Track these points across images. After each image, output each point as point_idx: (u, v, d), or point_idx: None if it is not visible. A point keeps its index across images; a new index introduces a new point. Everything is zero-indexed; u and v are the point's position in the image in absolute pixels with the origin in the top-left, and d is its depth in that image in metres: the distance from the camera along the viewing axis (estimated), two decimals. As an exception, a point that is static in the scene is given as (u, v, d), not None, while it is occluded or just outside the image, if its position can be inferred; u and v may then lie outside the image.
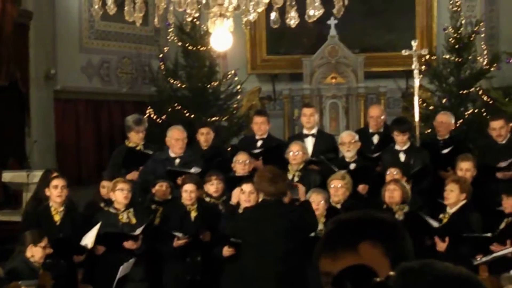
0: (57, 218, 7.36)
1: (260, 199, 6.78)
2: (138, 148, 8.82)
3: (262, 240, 6.39)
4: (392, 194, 7.23)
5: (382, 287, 1.61)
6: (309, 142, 8.73)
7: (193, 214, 7.57)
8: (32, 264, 6.64)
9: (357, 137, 8.39)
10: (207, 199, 7.80)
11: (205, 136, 8.88)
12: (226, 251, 6.99)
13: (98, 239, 7.17)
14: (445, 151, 8.35)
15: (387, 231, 1.86)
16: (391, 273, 1.62)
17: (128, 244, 7.23)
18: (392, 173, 7.73)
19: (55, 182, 7.39)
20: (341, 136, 8.58)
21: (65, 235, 7.22)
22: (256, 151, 8.58)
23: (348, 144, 8.28)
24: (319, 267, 1.84)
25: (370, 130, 8.95)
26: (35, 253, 6.65)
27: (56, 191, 7.34)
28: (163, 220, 7.61)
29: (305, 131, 8.91)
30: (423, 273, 1.52)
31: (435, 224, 7.02)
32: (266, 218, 6.45)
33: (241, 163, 8.15)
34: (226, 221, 7.15)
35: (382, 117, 8.99)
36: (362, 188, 7.98)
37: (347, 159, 8.29)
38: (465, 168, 7.74)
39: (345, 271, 1.73)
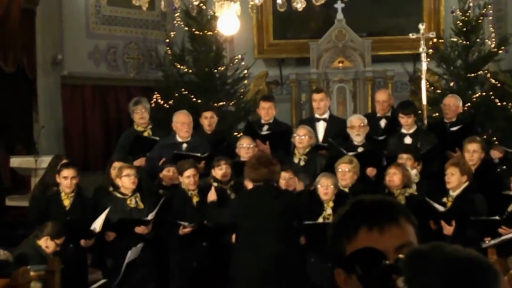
0: (66, 203, 7.40)
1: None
2: (145, 133, 8.84)
3: (256, 223, 6.43)
4: (392, 178, 7.22)
5: (391, 270, 1.61)
6: (321, 126, 8.74)
7: (195, 200, 7.57)
8: (42, 252, 6.68)
9: (366, 120, 8.37)
10: (215, 184, 7.79)
11: (209, 120, 8.88)
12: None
13: (112, 226, 7.19)
14: (454, 128, 8.33)
15: (408, 212, 1.86)
16: (400, 256, 1.62)
17: (140, 230, 7.24)
18: (404, 158, 7.65)
19: (65, 173, 7.41)
20: (350, 119, 8.54)
21: (73, 219, 7.24)
22: (264, 133, 8.59)
23: (357, 128, 8.26)
24: (352, 245, 1.79)
25: (378, 114, 8.95)
26: (49, 245, 6.70)
27: (66, 182, 7.39)
28: (166, 208, 7.60)
29: (316, 115, 8.91)
30: (433, 255, 1.52)
31: (441, 208, 7.02)
32: (258, 202, 6.51)
33: (245, 148, 8.14)
34: (214, 212, 7.20)
35: (389, 101, 8.98)
36: (370, 171, 7.98)
37: (355, 143, 8.28)
38: (472, 149, 7.72)
39: (354, 254, 1.73)
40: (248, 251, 6.45)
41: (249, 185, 7.12)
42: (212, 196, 7.45)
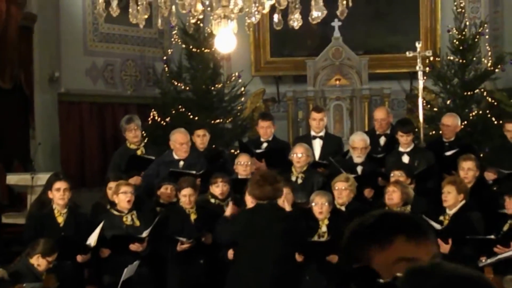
0: (60, 220, 7.36)
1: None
2: (139, 151, 8.84)
3: (257, 243, 6.39)
4: (391, 195, 7.22)
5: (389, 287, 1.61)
6: (317, 144, 8.76)
7: (193, 217, 7.55)
8: (35, 270, 6.64)
9: (368, 141, 8.35)
10: (212, 200, 7.79)
11: (201, 138, 8.91)
12: (231, 254, 6.98)
13: (106, 242, 7.16)
14: (449, 153, 8.33)
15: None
16: (399, 274, 1.62)
17: (135, 247, 7.21)
18: (397, 175, 7.70)
19: (57, 184, 7.38)
20: (353, 139, 8.49)
21: (67, 235, 7.21)
22: (259, 151, 8.59)
23: (360, 150, 8.26)
24: (385, 253, 1.83)
25: (377, 132, 8.95)
26: (41, 263, 6.65)
27: (59, 194, 7.33)
28: (163, 224, 7.58)
29: (313, 133, 8.92)
30: (433, 273, 1.52)
31: (437, 226, 7.01)
32: (261, 221, 6.44)
33: (242, 165, 8.15)
34: (219, 227, 7.16)
35: (387, 119, 8.99)
36: (367, 192, 7.97)
37: (355, 161, 8.28)
38: (467, 167, 7.73)
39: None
40: (247, 271, 6.41)
41: (249, 201, 7.10)
42: (229, 211, 7.40)
